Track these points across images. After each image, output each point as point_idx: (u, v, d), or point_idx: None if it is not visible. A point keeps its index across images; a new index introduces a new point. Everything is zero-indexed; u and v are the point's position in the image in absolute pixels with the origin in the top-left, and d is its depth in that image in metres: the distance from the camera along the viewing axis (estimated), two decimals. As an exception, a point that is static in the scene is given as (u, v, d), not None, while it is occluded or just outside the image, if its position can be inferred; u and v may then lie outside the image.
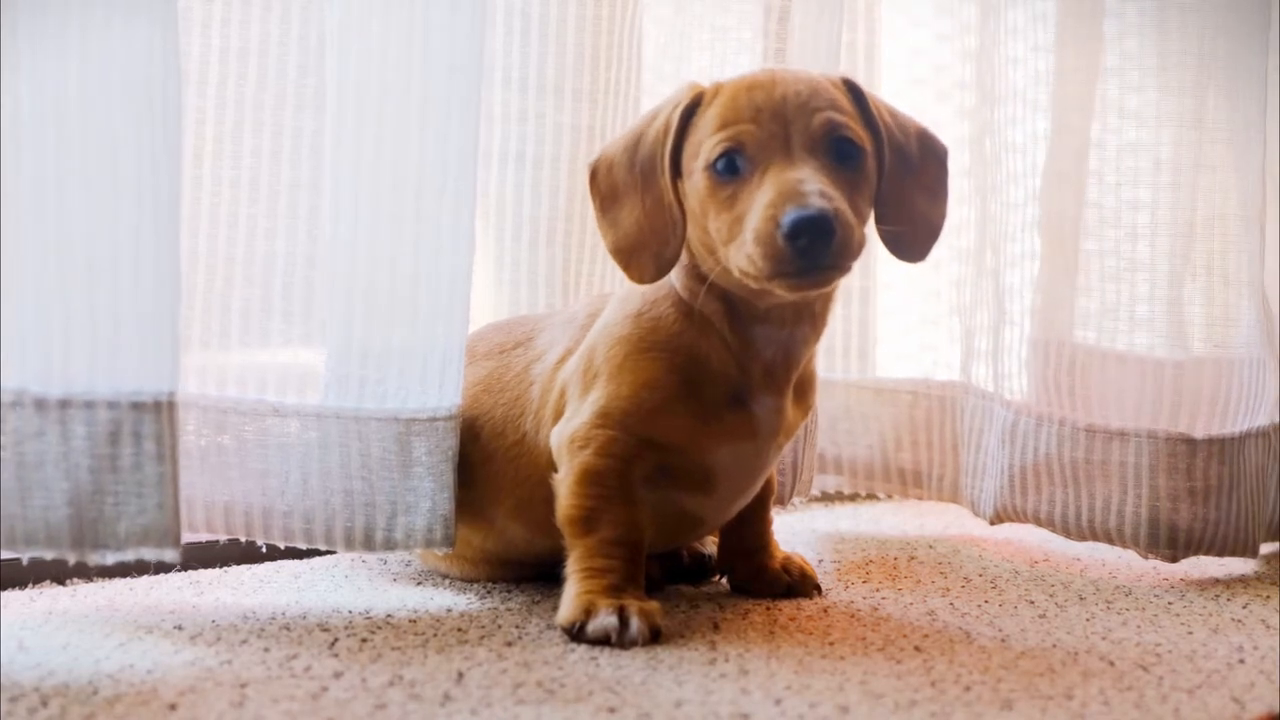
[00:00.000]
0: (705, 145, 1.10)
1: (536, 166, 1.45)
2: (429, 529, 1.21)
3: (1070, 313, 1.50)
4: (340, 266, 1.21)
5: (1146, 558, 1.44)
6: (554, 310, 1.40)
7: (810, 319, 1.17)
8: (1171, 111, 1.46)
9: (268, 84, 1.23)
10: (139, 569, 1.30)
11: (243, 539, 1.22)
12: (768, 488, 1.30)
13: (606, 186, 1.17)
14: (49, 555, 1.04)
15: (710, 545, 1.36)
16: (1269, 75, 1.47)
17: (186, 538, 1.31)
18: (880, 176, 1.14)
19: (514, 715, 0.92)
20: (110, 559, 1.05)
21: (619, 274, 1.51)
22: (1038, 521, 1.49)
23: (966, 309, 1.61)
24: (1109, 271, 1.48)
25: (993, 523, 1.53)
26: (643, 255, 1.15)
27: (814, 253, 1.03)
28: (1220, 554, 1.43)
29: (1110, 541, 1.45)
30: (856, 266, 1.63)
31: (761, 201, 1.05)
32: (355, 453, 1.20)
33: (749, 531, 1.29)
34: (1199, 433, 1.42)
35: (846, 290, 1.69)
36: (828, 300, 1.18)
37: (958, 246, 1.63)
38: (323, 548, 1.23)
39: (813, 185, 1.05)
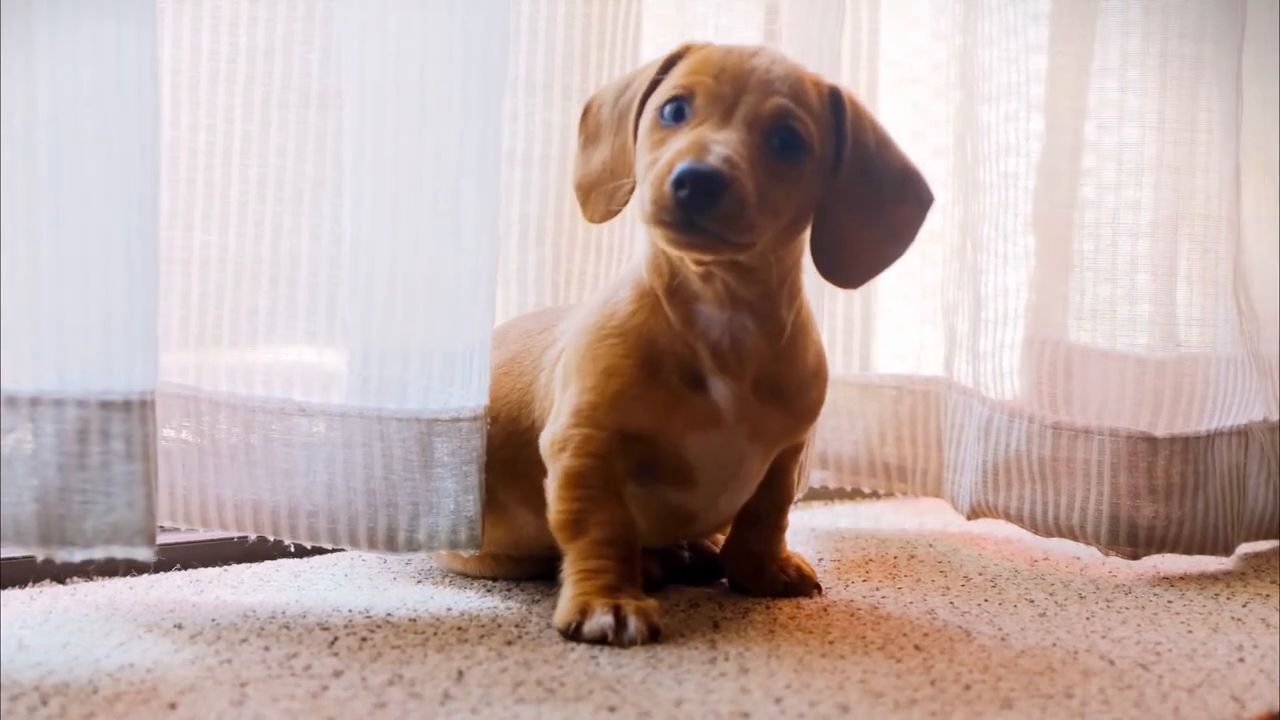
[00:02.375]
0: (662, 90, 1.12)
1: (526, 165, 1.45)
2: (453, 530, 1.21)
3: (1060, 312, 1.51)
4: (362, 266, 1.21)
5: (1107, 554, 1.45)
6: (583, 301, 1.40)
7: (746, 307, 1.15)
8: (1141, 110, 1.46)
9: (292, 83, 1.23)
10: (139, 568, 1.30)
11: (270, 538, 1.23)
12: (783, 494, 1.29)
13: (593, 125, 1.20)
14: (17, 552, 1.04)
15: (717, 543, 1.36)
16: (1241, 75, 1.48)
17: (206, 534, 1.33)
18: (828, 188, 1.14)
19: (514, 714, 0.92)
20: (78, 556, 1.05)
21: (611, 273, 1.51)
22: (1007, 517, 1.50)
23: (950, 306, 1.61)
24: (1075, 269, 1.49)
25: (969, 518, 1.54)
26: (597, 194, 1.18)
27: (692, 207, 1.04)
28: (1187, 552, 1.44)
29: (1074, 538, 1.46)
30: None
31: (671, 149, 1.07)
32: (378, 453, 1.20)
33: (755, 535, 1.29)
34: (1160, 431, 1.43)
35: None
36: (766, 298, 1.15)
37: (945, 243, 1.64)
38: (348, 548, 1.23)
39: (722, 149, 1.05)
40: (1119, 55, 1.46)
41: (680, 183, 1.03)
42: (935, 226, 1.68)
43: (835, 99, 1.15)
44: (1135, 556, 1.44)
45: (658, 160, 1.08)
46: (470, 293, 1.21)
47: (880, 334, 1.74)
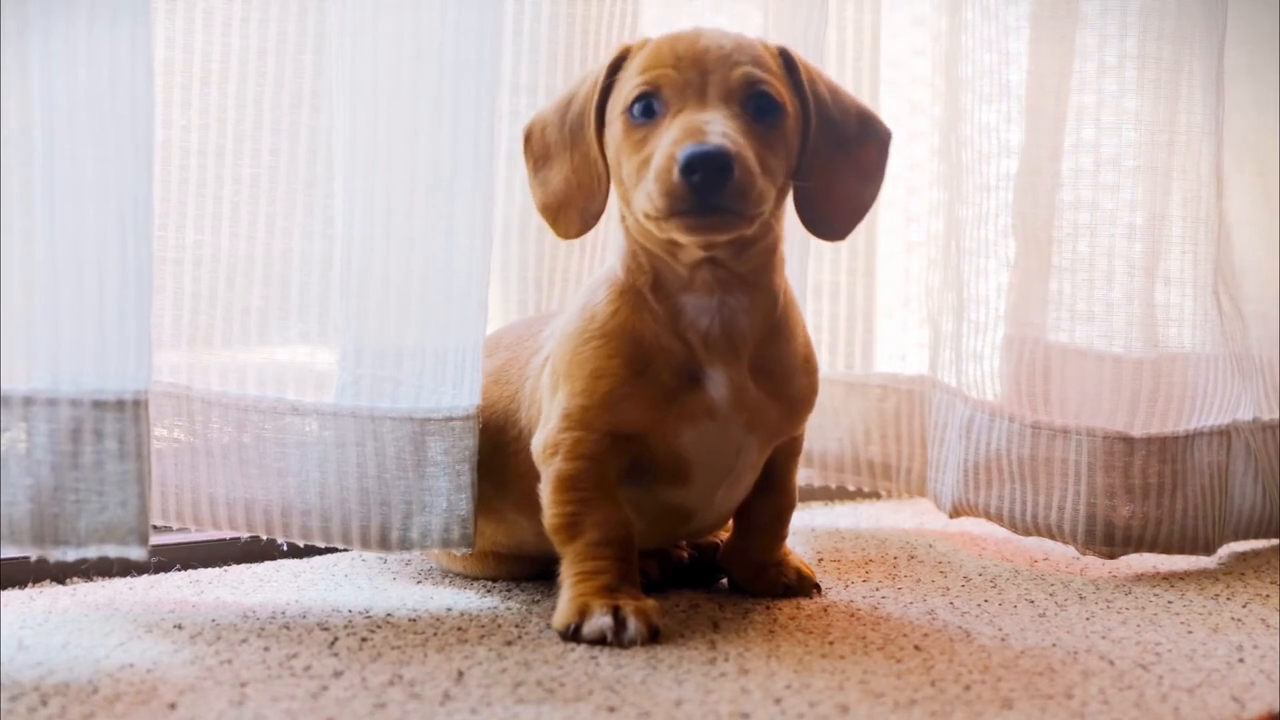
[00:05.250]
0: (624, 91, 1.12)
1: (511, 164, 1.45)
2: (445, 529, 1.21)
3: (1040, 312, 1.51)
4: (354, 265, 1.21)
5: (1084, 554, 1.46)
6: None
7: (743, 287, 1.16)
8: (1121, 113, 1.46)
9: (284, 83, 1.24)
10: (139, 568, 1.30)
11: (263, 536, 1.23)
12: (785, 501, 1.29)
13: (540, 148, 1.20)
14: (11, 552, 1.05)
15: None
16: (1222, 77, 1.48)
17: (206, 535, 1.33)
18: (805, 145, 1.15)
19: (514, 714, 0.92)
20: (72, 556, 1.05)
21: (595, 270, 1.51)
22: (988, 516, 1.51)
23: (935, 306, 1.62)
24: (1054, 269, 1.49)
25: (951, 516, 1.55)
26: (569, 211, 1.17)
27: (708, 190, 1.04)
28: (1166, 551, 1.44)
29: (1052, 537, 1.47)
30: (841, 260, 1.65)
31: (666, 141, 1.07)
32: (371, 452, 1.20)
33: (756, 543, 1.28)
34: (1137, 431, 1.43)
35: (832, 285, 1.69)
36: (762, 269, 1.17)
37: (938, 245, 1.64)
38: (340, 547, 1.23)
39: (717, 126, 1.06)
40: (1098, 58, 1.47)
41: (690, 168, 1.03)
42: (934, 229, 1.68)
43: (786, 58, 1.16)
44: (1112, 556, 1.44)
45: (651, 156, 1.08)
46: (463, 292, 1.21)
47: (880, 335, 1.74)
